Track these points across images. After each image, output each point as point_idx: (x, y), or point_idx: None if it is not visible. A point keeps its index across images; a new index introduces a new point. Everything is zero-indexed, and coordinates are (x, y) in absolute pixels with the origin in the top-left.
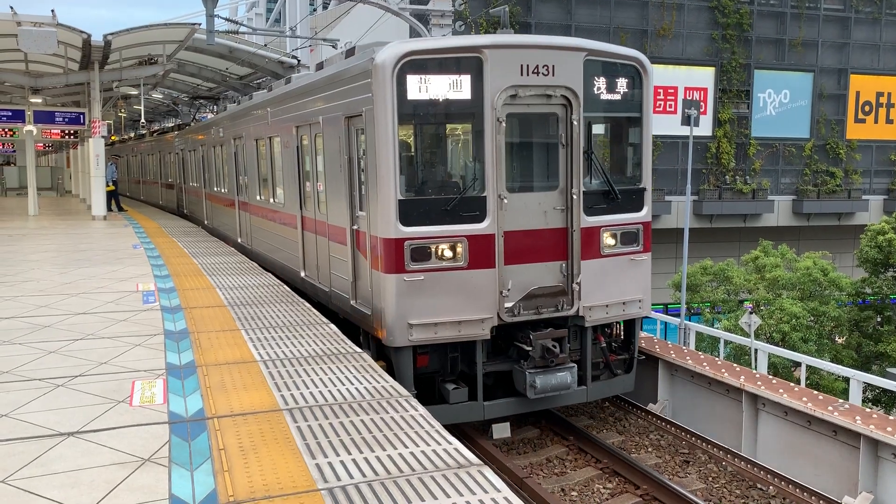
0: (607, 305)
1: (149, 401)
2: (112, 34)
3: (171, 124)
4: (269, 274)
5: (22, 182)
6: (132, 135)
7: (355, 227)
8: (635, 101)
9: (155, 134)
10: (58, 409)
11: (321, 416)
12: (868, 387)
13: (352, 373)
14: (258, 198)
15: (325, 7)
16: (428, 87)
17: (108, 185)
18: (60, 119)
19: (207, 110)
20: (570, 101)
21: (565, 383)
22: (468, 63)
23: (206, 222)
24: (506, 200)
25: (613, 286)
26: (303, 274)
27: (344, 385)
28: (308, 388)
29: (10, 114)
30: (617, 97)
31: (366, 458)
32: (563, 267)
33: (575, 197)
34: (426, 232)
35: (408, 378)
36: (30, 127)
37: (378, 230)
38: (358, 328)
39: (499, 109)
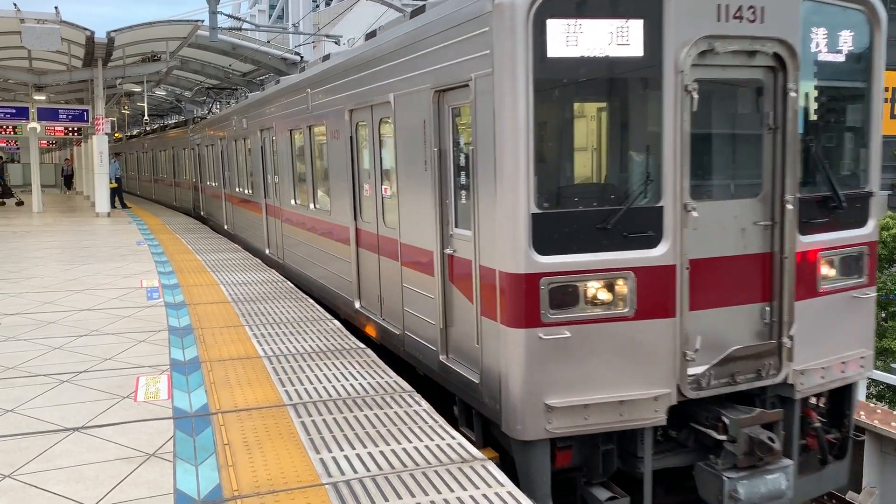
0: (824, 367)
1: (153, 396)
2: (115, 31)
3: (173, 121)
4: (273, 271)
5: (26, 179)
6: (143, 130)
7: (449, 250)
8: (861, 66)
9: (167, 128)
10: (63, 404)
11: (325, 411)
12: (872, 382)
13: (355, 368)
14: (293, 202)
15: (327, 3)
16: (579, 39)
17: (111, 182)
18: (64, 116)
19: (213, 106)
20: (785, 61)
21: (779, 490)
22: (640, 1)
23: (226, 227)
24: (694, 213)
25: (831, 337)
26: (357, 304)
27: (348, 380)
28: (312, 383)
29: (13, 111)
30: (839, 59)
31: (370, 453)
32: (768, 312)
33: (789, 206)
34: (573, 263)
35: (541, 485)
36: (33, 124)
37: (495, 259)
38: (450, 394)
39: (686, 73)
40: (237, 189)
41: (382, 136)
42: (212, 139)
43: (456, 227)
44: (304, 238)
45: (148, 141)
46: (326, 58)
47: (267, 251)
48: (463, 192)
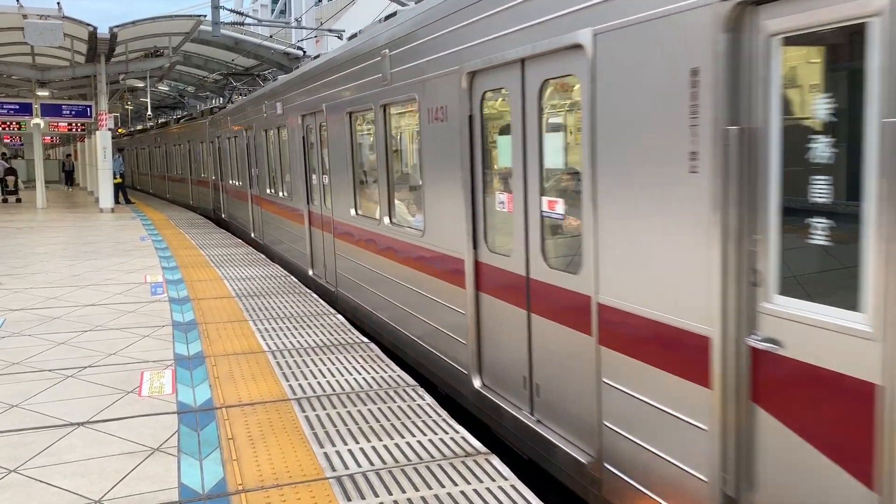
0: None
1: (157, 391)
2: (118, 27)
3: (183, 113)
4: (277, 265)
5: (30, 175)
6: (155, 122)
7: (760, 341)
8: None
9: (182, 120)
10: (67, 399)
11: (329, 405)
12: None
13: (359, 362)
14: (352, 213)
15: None
16: None
17: (115, 178)
18: (67, 112)
19: (232, 96)
20: None
21: None
22: None
23: (253, 235)
24: None
25: None
26: (477, 383)
27: (351, 375)
28: (316, 377)
29: (17, 107)
30: None
31: (374, 447)
32: None
33: None
34: None
35: None
36: (37, 120)
37: None
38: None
39: None
40: (268, 191)
41: (547, 111)
42: (235, 130)
43: (781, 294)
44: (373, 264)
45: (160, 135)
46: (392, 16)
47: (311, 272)
48: (817, 221)
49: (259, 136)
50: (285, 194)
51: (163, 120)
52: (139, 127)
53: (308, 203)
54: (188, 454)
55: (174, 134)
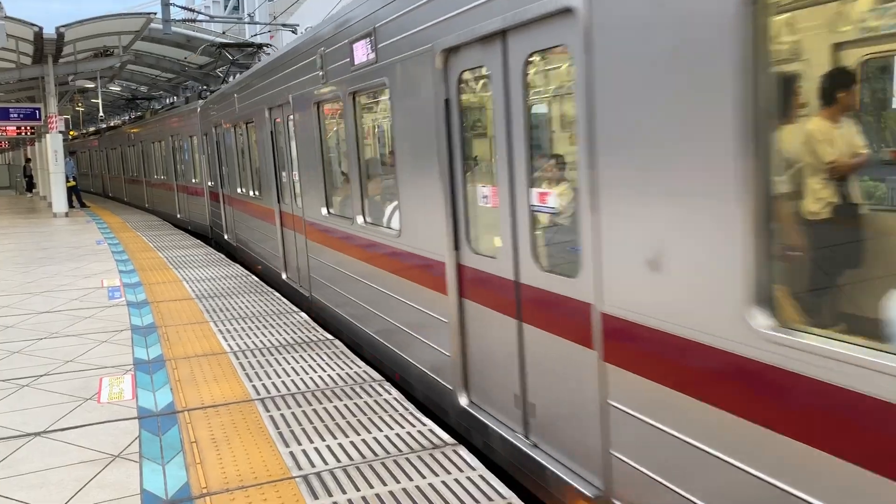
0: None
1: (117, 397)
2: (65, 26)
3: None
4: (237, 264)
5: None
6: (129, 117)
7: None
8: None
9: (162, 111)
10: (23, 409)
11: (294, 404)
12: None
13: (323, 360)
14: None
15: None
16: None
17: (68, 181)
18: (15, 115)
19: (167, 99)
20: None
21: None
22: None
23: (286, 276)
24: None
25: None
26: None
27: (316, 372)
28: (280, 377)
29: None
30: None
31: (340, 444)
32: None
33: None
34: None
35: None
36: None
37: None
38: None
39: None
40: (324, 211)
41: None
42: (246, 115)
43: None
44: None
45: (135, 131)
46: None
47: (462, 400)
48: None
49: (302, 117)
50: (370, 220)
51: (139, 113)
52: (91, 127)
53: (458, 248)
54: (150, 459)
55: (153, 129)
